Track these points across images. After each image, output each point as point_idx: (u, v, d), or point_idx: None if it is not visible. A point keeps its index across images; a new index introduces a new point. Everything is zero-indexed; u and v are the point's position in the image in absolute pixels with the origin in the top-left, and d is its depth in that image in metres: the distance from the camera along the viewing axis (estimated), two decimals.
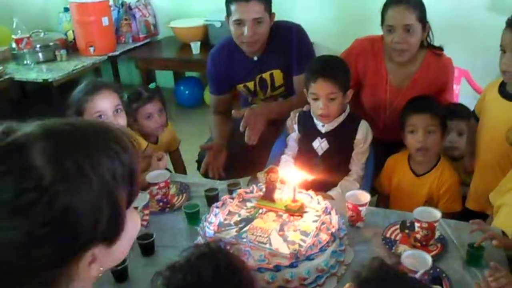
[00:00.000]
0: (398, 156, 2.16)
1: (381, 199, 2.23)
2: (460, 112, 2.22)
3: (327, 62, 2.05)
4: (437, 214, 1.56)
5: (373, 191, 2.23)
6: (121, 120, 1.91)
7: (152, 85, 2.45)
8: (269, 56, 2.44)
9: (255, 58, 2.45)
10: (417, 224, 1.55)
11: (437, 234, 1.59)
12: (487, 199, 1.84)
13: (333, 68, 1.99)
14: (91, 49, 4.15)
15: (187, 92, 4.47)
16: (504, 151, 1.85)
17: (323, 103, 1.96)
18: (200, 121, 4.00)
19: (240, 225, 1.52)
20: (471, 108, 2.11)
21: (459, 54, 2.59)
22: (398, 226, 1.66)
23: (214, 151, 2.42)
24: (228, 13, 2.35)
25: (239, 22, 2.30)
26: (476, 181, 2.02)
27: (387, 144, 2.27)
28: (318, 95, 1.98)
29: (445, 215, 1.93)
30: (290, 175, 1.61)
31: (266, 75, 2.49)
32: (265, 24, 2.33)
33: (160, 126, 2.34)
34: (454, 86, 2.54)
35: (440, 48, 2.24)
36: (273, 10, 2.40)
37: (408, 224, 1.65)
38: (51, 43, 4.14)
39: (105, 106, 1.87)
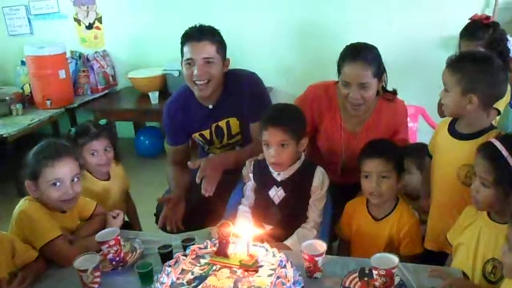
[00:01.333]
0: (356, 201, 2.15)
1: (342, 244, 2.20)
2: (409, 151, 2.24)
3: (279, 110, 2.06)
4: (395, 260, 1.53)
5: (334, 237, 2.22)
6: (77, 188, 1.87)
7: (102, 121, 2.42)
8: (225, 104, 2.43)
9: (210, 106, 2.44)
10: (375, 272, 1.52)
11: (397, 279, 1.56)
12: (445, 238, 1.84)
13: (284, 116, 1.98)
14: (48, 102, 4.09)
15: (147, 142, 4.43)
16: (457, 190, 1.87)
17: (274, 150, 1.95)
18: (161, 171, 3.89)
19: (193, 284, 1.46)
20: None
21: (415, 91, 2.69)
22: (357, 274, 1.62)
23: (172, 204, 2.36)
24: (182, 55, 2.35)
25: (190, 62, 2.30)
26: (433, 220, 2.02)
27: (345, 187, 2.27)
28: (269, 143, 1.97)
29: (406, 258, 1.94)
30: (243, 228, 1.56)
31: (222, 123, 2.47)
32: (216, 65, 2.32)
33: (105, 164, 2.30)
34: (411, 124, 2.59)
35: (394, 93, 2.28)
36: (230, 57, 2.41)
37: (367, 272, 1.61)
38: (6, 97, 4.07)
39: (65, 174, 1.82)
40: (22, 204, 1.84)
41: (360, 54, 2.10)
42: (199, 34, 2.28)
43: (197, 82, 2.30)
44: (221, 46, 2.35)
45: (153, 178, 3.80)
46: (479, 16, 2.67)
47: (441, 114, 2.49)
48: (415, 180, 2.25)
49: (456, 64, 1.79)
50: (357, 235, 2.09)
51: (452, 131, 1.91)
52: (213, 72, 2.30)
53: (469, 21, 2.70)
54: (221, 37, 2.36)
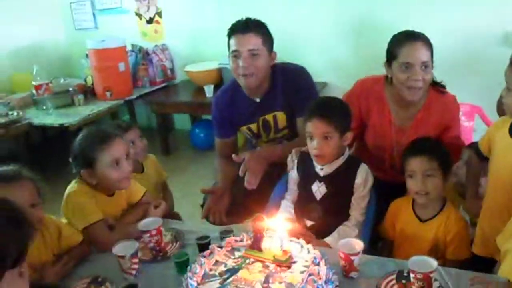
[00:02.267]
0: (401, 200, 2.07)
1: (385, 245, 2.14)
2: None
3: (323, 102, 2.04)
4: (433, 263, 1.47)
5: (377, 238, 2.16)
6: (131, 166, 1.96)
7: (125, 118, 2.52)
8: (272, 97, 2.42)
9: (257, 100, 2.44)
10: (412, 275, 1.47)
11: (435, 284, 1.49)
12: (495, 243, 1.74)
13: (328, 108, 1.96)
14: (108, 93, 4.24)
15: (202, 134, 4.49)
16: (510, 195, 1.76)
17: (317, 142, 1.93)
18: (213, 163, 3.99)
19: (224, 276, 1.46)
20: None
21: (471, 89, 2.55)
22: (394, 276, 1.57)
23: (216, 196, 2.39)
24: (229, 49, 2.36)
25: (236, 54, 2.31)
26: (483, 224, 1.91)
27: (392, 186, 2.20)
28: (312, 134, 1.94)
29: (453, 262, 1.86)
30: (278, 223, 1.55)
31: (269, 117, 2.47)
32: (262, 58, 2.31)
33: (141, 151, 2.43)
34: (467, 123, 2.47)
35: (442, 86, 2.19)
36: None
37: (405, 274, 1.55)
38: (69, 89, 4.27)
39: (120, 153, 1.91)
40: (72, 186, 1.94)
41: (418, 34, 2.08)
42: (245, 26, 2.29)
43: (242, 74, 2.31)
44: (267, 38, 2.34)
45: (207, 171, 3.85)
46: None
47: (501, 113, 2.35)
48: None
49: None
50: (401, 236, 2.02)
51: None
52: (258, 65, 2.30)
53: None
54: (267, 29, 2.35)
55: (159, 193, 2.51)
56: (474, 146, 2.25)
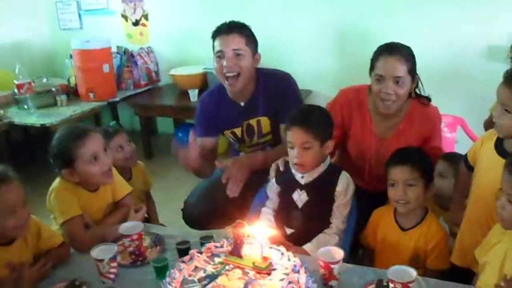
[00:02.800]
0: (383, 209, 2.09)
1: (366, 254, 2.15)
2: (450, 156, 2.18)
3: (303, 111, 2.03)
4: (413, 273, 1.48)
5: (359, 245, 2.17)
6: (110, 158, 1.97)
7: (113, 123, 2.51)
8: (256, 102, 2.43)
9: (242, 104, 2.44)
10: (391, 285, 1.47)
11: None
12: (474, 255, 1.76)
13: (308, 117, 1.95)
14: (91, 94, 4.20)
15: (186, 138, 4.43)
16: (492, 209, 1.77)
17: (297, 151, 1.93)
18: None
19: (203, 282, 1.45)
20: None
21: (455, 101, 2.58)
22: (374, 286, 1.58)
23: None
24: (213, 51, 2.37)
25: (220, 55, 2.31)
26: (463, 235, 1.93)
27: (373, 195, 2.22)
28: (292, 143, 1.95)
29: (432, 272, 1.87)
30: (259, 229, 1.55)
31: (253, 122, 2.47)
32: (246, 58, 2.32)
33: (132, 156, 2.42)
34: (449, 134, 2.50)
35: (428, 99, 2.21)
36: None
37: (384, 284, 1.56)
38: (52, 88, 4.21)
39: (98, 147, 1.92)
40: (55, 182, 1.94)
41: (396, 49, 2.09)
42: (228, 27, 2.31)
43: (227, 74, 2.31)
44: (251, 39, 2.35)
45: (190, 175, 3.81)
46: None
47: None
48: (448, 186, 2.17)
49: None
50: (382, 245, 2.03)
51: (499, 147, 1.79)
52: (242, 64, 2.30)
53: None
54: (250, 31, 2.37)
55: (143, 202, 2.48)
56: (447, 157, 2.27)
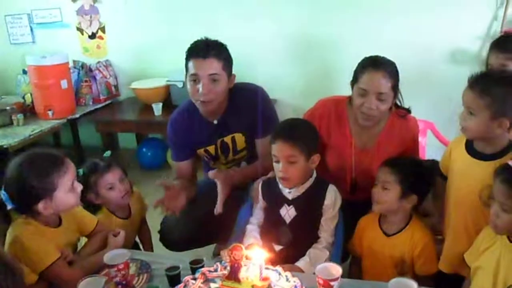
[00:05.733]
0: (368, 217, 2.10)
1: (354, 261, 2.15)
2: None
3: (289, 125, 2.01)
4: (413, 285, 1.47)
5: (345, 254, 2.16)
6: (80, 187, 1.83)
7: (106, 154, 2.34)
8: (230, 119, 2.38)
9: (215, 122, 2.38)
10: None
11: None
12: (462, 259, 1.78)
13: (293, 131, 1.93)
14: (50, 112, 4.03)
15: (149, 153, 4.36)
16: (478, 211, 1.81)
17: (282, 165, 1.90)
18: None
19: None
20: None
21: (423, 106, 2.63)
22: None
23: (175, 191, 2.25)
24: (186, 70, 2.29)
25: (195, 79, 2.23)
26: (449, 242, 1.95)
27: (355, 204, 2.21)
28: (278, 158, 1.92)
29: (422, 278, 1.88)
30: (256, 251, 1.50)
31: (227, 139, 2.42)
32: (222, 83, 2.25)
33: (125, 195, 2.23)
34: (420, 139, 2.52)
35: (407, 110, 2.23)
36: (233, 70, 2.35)
37: None
38: (7, 107, 4.02)
39: (74, 173, 1.79)
40: (16, 227, 1.74)
41: (382, 64, 2.06)
42: (206, 50, 2.21)
43: (201, 100, 2.25)
44: (228, 62, 2.29)
45: (156, 190, 3.71)
46: None
47: None
48: None
49: (483, 86, 1.70)
50: (368, 251, 2.04)
51: (471, 150, 1.84)
52: (218, 90, 2.24)
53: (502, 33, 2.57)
54: (228, 52, 2.30)
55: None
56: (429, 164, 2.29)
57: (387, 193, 1.95)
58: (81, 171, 2.12)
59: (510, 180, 1.51)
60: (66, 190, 1.74)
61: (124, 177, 2.25)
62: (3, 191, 1.71)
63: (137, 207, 2.37)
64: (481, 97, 1.69)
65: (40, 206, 1.71)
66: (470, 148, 1.85)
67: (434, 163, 2.19)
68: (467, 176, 1.84)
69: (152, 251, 2.39)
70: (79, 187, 1.81)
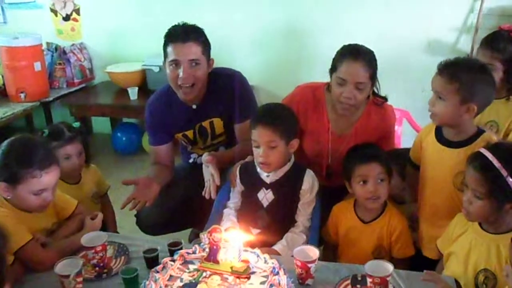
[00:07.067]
0: (343, 204, 2.11)
1: (328, 247, 2.17)
2: (392, 156, 2.22)
3: (269, 110, 2.01)
4: (389, 267, 1.51)
5: (320, 240, 2.19)
6: (55, 194, 1.80)
7: (76, 124, 2.31)
8: (209, 104, 2.37)
9: (194, 106, 2.38)
10: (369, 279, 1.50)
11: (390, 287, 1.53)
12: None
13: (274, 116, 1.93)
14: (22, 95, 3.94)
15: (124, 138, 4.31)
16: (452, 197, 1.86)
17: (263, 150, 1.91)
18: (139, 168, 3.85)
19: None
20: None
21: (399, 95, 2.67)
22: (349, 281, 1.59)
23: (143, 185, 2.23)
24: (165, 56, 2.27)
25: (175, 63, 2.22)
26: (426, 228, 2.00)
27: (330, 190, 2.23)
28: (258, 143, 1.93)
29: (400, 261, 1.93)
30: (235, 234, 1.51)
31: (205, 124, 2.42)
32: (202, 67, 2.25)
33: (77, 168, 2.22)
34: (396, 127, 2.56)
35: (384, 98, 2.25)
36: (213, 55, 2.34)
37: (359, 278, 1.58)
38: None
39: (50, 183, 1.74)
40: None
41: (361, 54, 2.07)
42: (185, 34, 2.20)
43: (182, 85, 2.23)
44: (207, 46, 2.28)
45: (130, 176, 3.66)
46: (508, 27, 2.37)
47: None
48: (395, 184, 2.23)
49: (452, 72, 1.75)
50: (345, 239, 2.06)
51: (441, 138, 1.89)
52: (198, 74, 2.24)
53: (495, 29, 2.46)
54: (205, 36, 2.29)
55: (97, 205, 2.35)
56: (390, 155, 2.31)
57: (384, 185, 1.94)
58: (46, 132, 2.14)
59: (482, 167, 1.55)
60: (30, 191, 1.70)
61: (83, 152, 2.24)
62: None
63: (90, 178, 2.34)
64: (450, 83, 1.74)
65: (1, 186, 1.69)
66: (440, 136, 1.90)
67: (406, 151, 2.23)
68: (439, 164, 1.90)
69: (117, 232, 2.37)
70: (51, 197, 1.75)
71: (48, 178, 1.72)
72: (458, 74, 1.74)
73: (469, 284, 1.61)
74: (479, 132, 1.84)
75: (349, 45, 2.14)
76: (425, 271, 1.57)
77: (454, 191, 1.84)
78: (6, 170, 1.69)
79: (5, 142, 1.74)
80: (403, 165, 2.16)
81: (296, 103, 2.27)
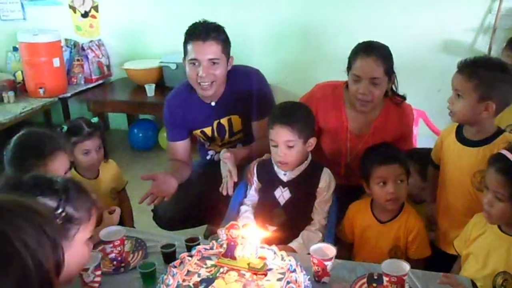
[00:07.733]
0: (360, 203, 2.11)
1: (343, 246, 2.16)
2: (412, 154, 2.22)
3: (286, 109, 2.01)
4: (406, 267, 1.50)
5: (335, 239, 2.18)
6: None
7: (94, 120, 2.34)
8: (227, 101, 2.38)
9: (213, 103, 2.39)
10: (385, 278, 1.49)
11: (406, 287, 1.53)
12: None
13: (291, 115, 1.94)
14: (41, 90, 4.00)
15: (141, 135, 4.34)
16: (471, 196, 1.86)
17: (281, 150, 1.91)
18: (155, 165, 3.88)
19: (200, 287, 1.41)
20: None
21: (415, 95, 2.65)
22: (365, 280, 1.59)
23: (159, 181, 2.25)
24: (185, 53, 2.28)
25: (195, 62, 2.23)
26: (445, 225, 1.99)
27: (347, 189, 2.23)
28: (276, 142, 1.93)
29: (416, 262, 1.91)
30: (252, 230, 1.52)
31: (224, 121, 2.43)
32: (221, 66, 2.26)
33: (96, 163, 2.27)
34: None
35: (403, 97, 2.24)
36: (232, 53, 2.35)
37: (375, 277, 1.58)
38: None
39: (57, 171, 1.74)
40: None
41: (374, 49, 2.07)
42: (205, 33, 2.20)
43: (201, 83, 2.25)
44: (227, 44, 2.29)
45: (146, 172, 3.68)
46: None
47: None
48: (414, 183, 2.22)
49: (472, 69, 1.75)
50: (362, 238, 2.05)
51: (461, 138, 1.88)
52: (218, 73, 2.25)
53: None
54: (226, 35, 2.30)
55: (114, 201, 2.37)
56: (409, 154, 2.29)
57: (403, 186, 1.94)
58: (65, 127, 2.18)
59: (504, 169, 1.54)
60: None
61: (101, 147, 2.28)
62: None
63: (108, 173, 2.38)
64: (469, 80, 1.74)
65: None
66: (460, 135, 1.89)
67: (426, 151, 2.22)
68: (458, 163, 1.89)
69: (134, 227, 2.39)
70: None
71: (53, 165, 1.74)
72: (477, 71, 1.74)
73: (487, 286, 1.60)
74: (499, 131, 1.83)
75: (363, 42, 2.14)
76: (441, 274, 1.56)
77: (472, 190, 1.82)
78: (12, 167, 1.75)
79: (12, 140, 1.79)
80: (424, 165, 2.15)
81: (316, 101, 2.27)
